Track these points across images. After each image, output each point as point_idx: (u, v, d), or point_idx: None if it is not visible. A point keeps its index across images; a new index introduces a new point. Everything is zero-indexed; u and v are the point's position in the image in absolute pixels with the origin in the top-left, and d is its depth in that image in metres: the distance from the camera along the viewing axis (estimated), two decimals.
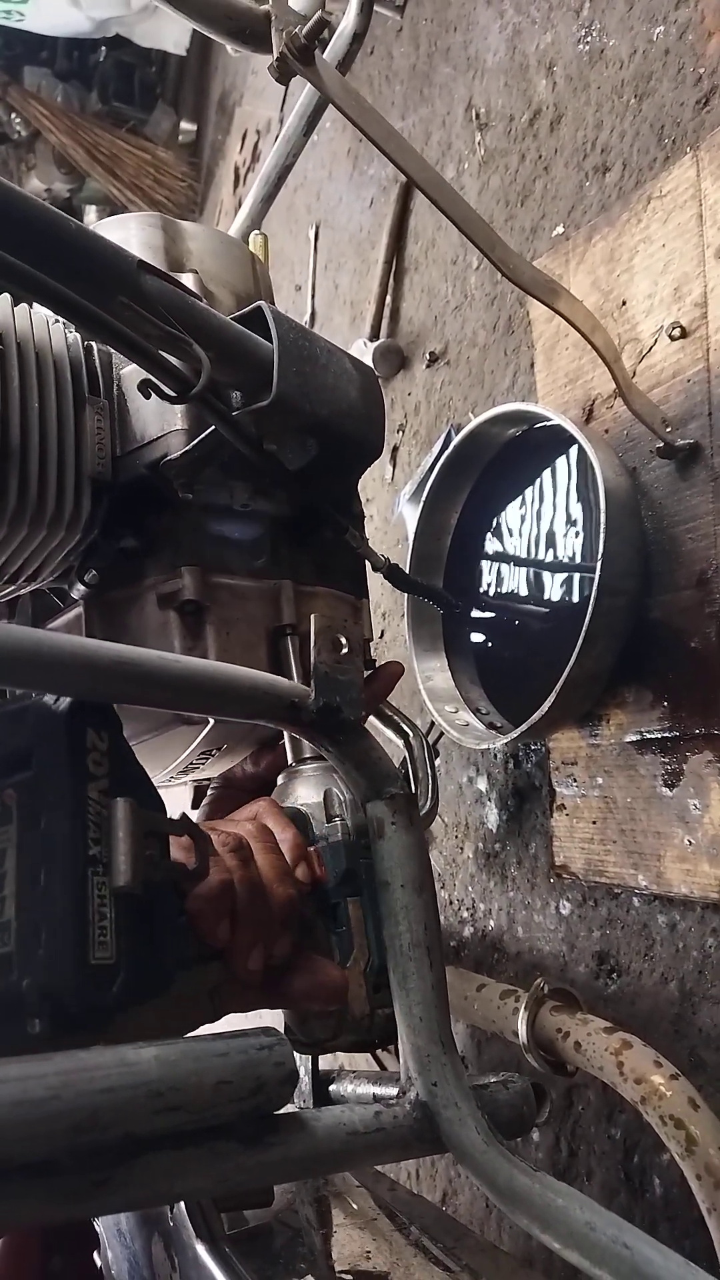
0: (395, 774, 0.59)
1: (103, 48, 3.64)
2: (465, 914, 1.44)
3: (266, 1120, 0.48)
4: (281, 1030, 0.61)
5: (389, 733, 1.16)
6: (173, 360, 0.65)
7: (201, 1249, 0.61)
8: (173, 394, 0.63)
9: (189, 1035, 0.46)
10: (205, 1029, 0.55)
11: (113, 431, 0.76)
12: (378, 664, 0.95)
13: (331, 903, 0.65)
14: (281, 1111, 0.49)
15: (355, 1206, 0.88)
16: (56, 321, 0.75)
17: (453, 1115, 0.52)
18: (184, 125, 3.68)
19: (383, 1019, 0.64)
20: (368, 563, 0.95)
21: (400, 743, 1.15)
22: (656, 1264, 0.48)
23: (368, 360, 1.67)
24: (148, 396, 0.64)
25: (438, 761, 1.48)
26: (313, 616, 0.57)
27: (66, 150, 3.51)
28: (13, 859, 0.48)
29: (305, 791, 0.72)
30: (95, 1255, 0.93)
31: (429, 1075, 0.53)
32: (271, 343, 0.69)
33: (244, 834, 0.62)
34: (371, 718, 1.21)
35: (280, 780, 0.76)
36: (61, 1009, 0.46)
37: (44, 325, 0.73)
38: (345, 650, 0.59)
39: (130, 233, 0.85)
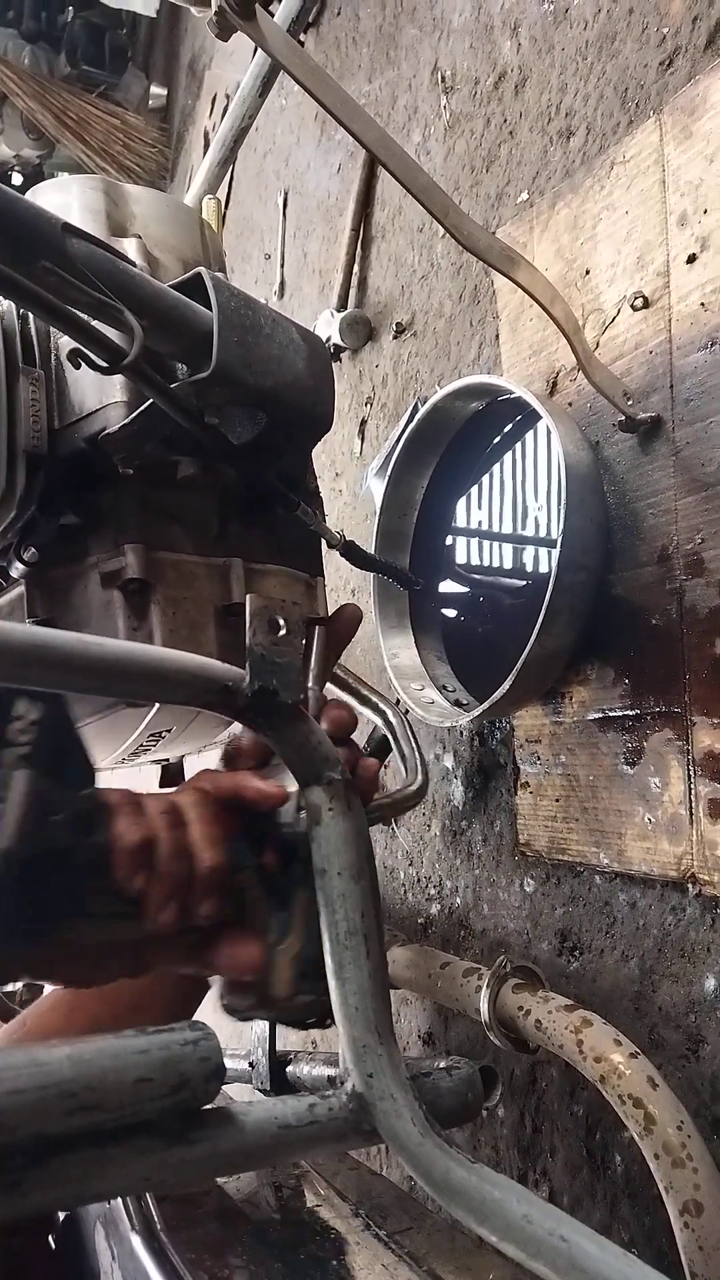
0: (335, 759, 0.58)
1: (71, 8, 3.55)
2: (433, 891, 1.44)
3: (193, 1116, 0.46)
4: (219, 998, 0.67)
5: (367, 712, 1.14)
6: (105, 329, 0.62)
7: (136, 1241, 0.60)
8: (104, 364, 0.61)
9: (110, 1033, 0.45)
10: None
11: (50, 404, 0.73)
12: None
13: (283, 887, 0.67)
14: (213, 1105, 0.48)
15: (315, 1188, 0.88)
16: None
17: (388, 1107, 0.51)
18: (154, 90, 3.60)
19: (304, 1004, 0.65)
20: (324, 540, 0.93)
21: (379, 721, 1.14)
22: (594, 1256, 0.47)
23: (335, 332, 1.64)
24: (77, 366, 0.61)
25: None
26: (248, 597, 0.55)
27: (34, 115, 3.42)
28: None
29: (283, 779, 0.72)
30: (50, 1237, 0.93)
31: (365, 1066, 0.52)
32: (211, 311, 0.66)
33: (182, 801, 0.64)
34: (349, 699, 1.19)
35: (274, 762, 0.75)
36: None
37: None
38: (283, 631, 0.57)
39: (71, 196, 0.82)
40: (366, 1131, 0.52)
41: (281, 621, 0.57)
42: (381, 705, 1.24)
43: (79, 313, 0.59)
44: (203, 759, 0.74)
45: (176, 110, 3.52)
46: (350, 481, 1.73)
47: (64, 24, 3.61)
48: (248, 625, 0.56)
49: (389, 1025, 0.54)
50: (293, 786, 0.70)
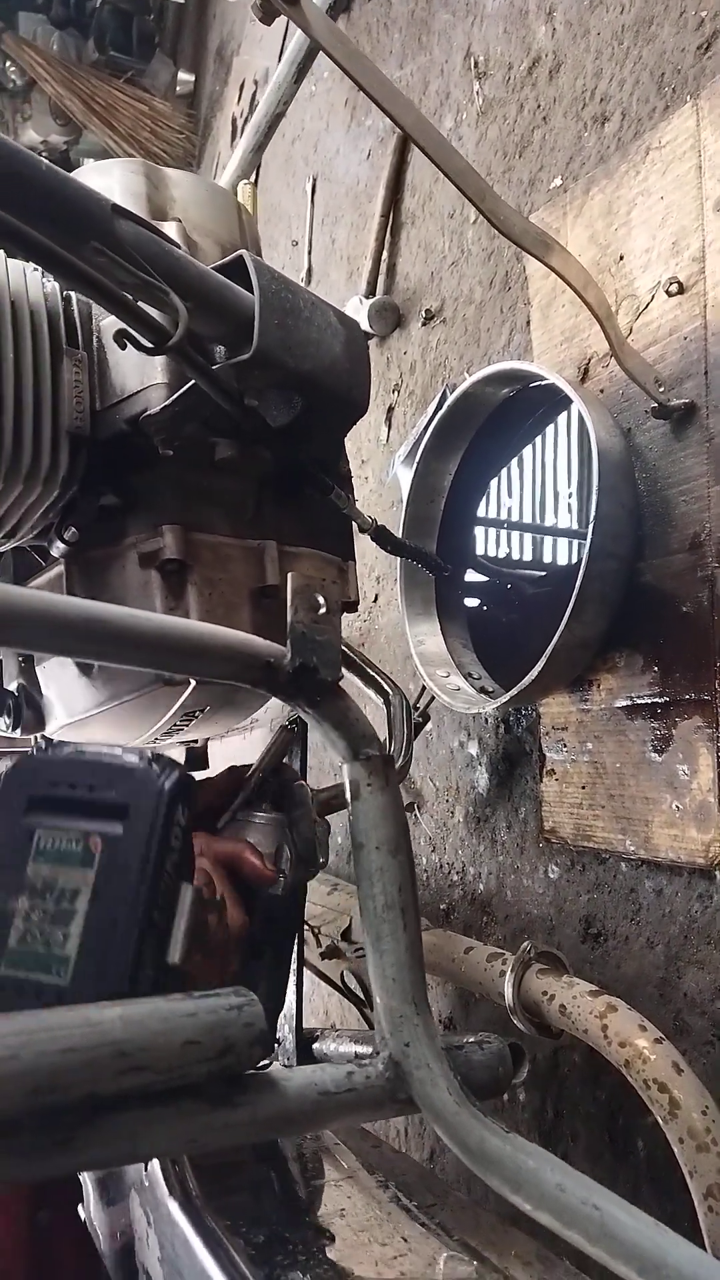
0: (373, 735, 0.59)
1: None
2: (455, 877, 1.44)
3: (237, 1080, 0.47)
4: None
5: (370, 692, 1.15)
6: (150, 310, 0.63)
7: (174, 1206, 0.62)
8: (149, 345, 0.61)
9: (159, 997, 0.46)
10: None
11: (92, 385, 0.74)
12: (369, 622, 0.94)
13: (257, 943, 0.72)
14: (255, 1070, 0.49)
15: (340, 1163, 0.89)
16: (35, 270, 0.73)
17: (424, 1076, 0.52)
18: (182, 75, 3.59)
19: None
20: (355, 524, 0.94)
21: (380, 701, 1.15)
22: (626, 1224, 0.48)
23: (363, 318, 1.64)
24: (123, 347, 0.62)
25: (429, 726, 1.48)
26: (289, 575, 0.56)
27: (62, 101, 3.43)
28: (84, 902, 0.52)
29: (258, 840, 0.73)
30: (80, 1209, 0.94)
31: (401, 1035, 0.53)
32: (253, 294, 0.67)
33: (206, 867, 0.66)
34: (353, 677, 1.20)
35: (236, 821, 0.76)
36: None
37: (20, 273, 0.71)
38: (323, 610, 0.58)
39: (113, 179, 0.82)
40: (402, 1100, 0.53)
41: (321, 600, 0.58)
42: (385, 686, 1.25)
43: (125, 294, 0.60)
44: (225, 743, 0.74)
45: (204, 96, 3.52)
46: (376, 468, 1.74)
47: (92, 10, 3.61)
48: (289, 603, 0.57)
49: (424, 996, 0.55)
50: (262, 849, 0.73)
